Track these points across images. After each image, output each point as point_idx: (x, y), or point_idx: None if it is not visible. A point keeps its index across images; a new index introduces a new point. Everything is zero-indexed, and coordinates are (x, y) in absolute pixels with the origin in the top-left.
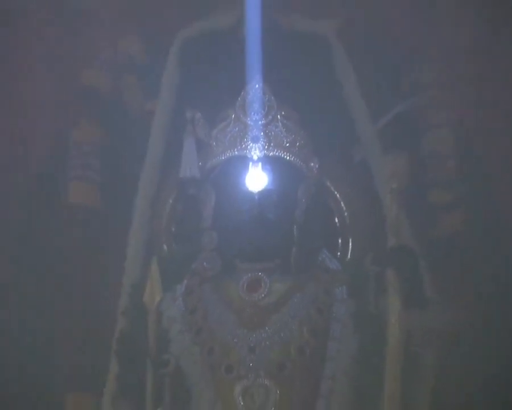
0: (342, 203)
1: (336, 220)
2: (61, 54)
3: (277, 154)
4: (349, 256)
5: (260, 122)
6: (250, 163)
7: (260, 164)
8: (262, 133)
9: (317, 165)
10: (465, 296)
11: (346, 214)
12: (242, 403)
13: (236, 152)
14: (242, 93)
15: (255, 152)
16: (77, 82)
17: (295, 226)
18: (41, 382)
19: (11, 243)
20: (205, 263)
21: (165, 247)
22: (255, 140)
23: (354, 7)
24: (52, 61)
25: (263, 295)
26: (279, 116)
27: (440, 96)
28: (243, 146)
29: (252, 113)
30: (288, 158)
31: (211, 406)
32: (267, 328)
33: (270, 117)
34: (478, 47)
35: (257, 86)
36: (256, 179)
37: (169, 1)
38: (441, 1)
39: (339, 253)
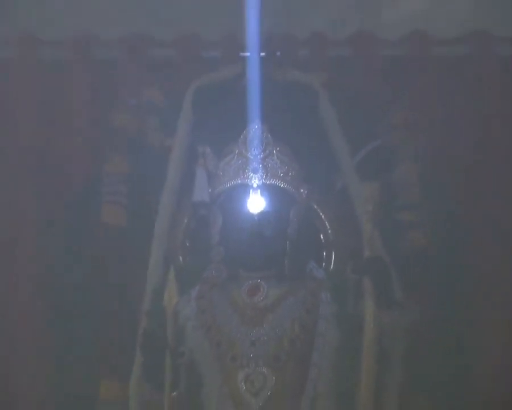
0: (326, 222)
1: (321, 237)
2: (95, 100)
3: (273, 182)
4: (332, 266)
5: (259, 156)
6: (251, 190)
7: (259, 191)
8: (260, 165)
9: (306, 192)
10: (428, 299)
11: (329, 232)
12: (244, 387)
13: (239, 181)
14: (244, 132)
15: (255, 181)
16: (109, 124)
17: (288, 242)
18: (82, 371)
19: (53, 253)
20: (213, 272)
21: (180, 259)
22: (255, 171)
23: (335, 66)
24: (88, 106)
25: (261, 298)
26: (274, 151)
27: (407, 135)
28: (245, 175)
29: (252, 149)
30: (282, 185)
31: (219, 390)
32: (264, 325)
33: (267, 152)
34: (439, 96)
35: (256, 126)
36: (256, 203)
37: (183, 57)
38: (410, 69)
39: (324, 264)
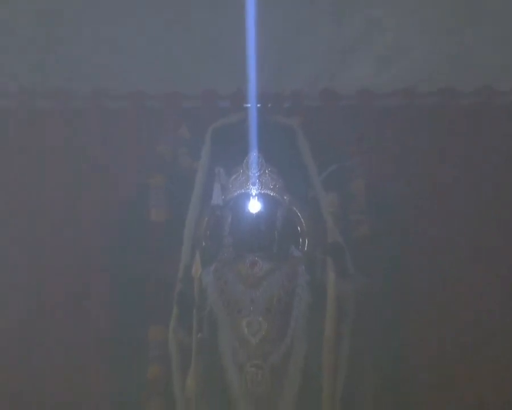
0: (302, 219)
1: (299, 229)
2: (143, 136)
3: (266, 192)
4: (306, 249)
5: (256, 174)
6: (251, 197)
7: (256, 198)
8: (257, 180)
9: (288, 199)
10: (370, 272)
11: (304, 226)
12: (246, 330)
13: (243, 191)
14: (246, 158)
15: (254, 191)
16: (153, 154)
17: (276, 232)
18: (137, 319)
19: (115, 239)
20: (225, 254)
21: (203, 244)
22: (253, 184)
23: (308, 113)
24: (139, 139)
25: (258, 270)
26: (266, 171)
27: (357, 161)
28: (247, 187)
29: (252, 169)
30: (272, 194)
31: (229, 333)
32: (260, 289)
33: (262, 171)
34: (379, 135)
35: (254, 154)
36: (254, 206)
37: (205, 106)
38: (359, 116)
39: (300, 247)
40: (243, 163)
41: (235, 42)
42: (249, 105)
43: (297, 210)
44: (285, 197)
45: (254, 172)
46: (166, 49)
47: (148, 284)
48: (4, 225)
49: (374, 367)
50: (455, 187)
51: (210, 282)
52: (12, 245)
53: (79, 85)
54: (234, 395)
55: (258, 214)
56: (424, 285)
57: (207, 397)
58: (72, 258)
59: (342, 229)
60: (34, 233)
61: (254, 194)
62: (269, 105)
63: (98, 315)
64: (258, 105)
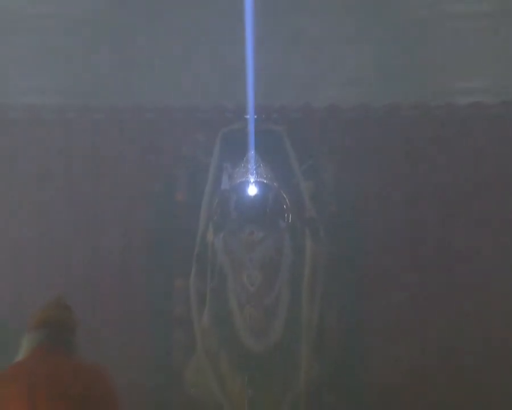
0: (287, 200)
1: (284, 207)
2: (169, 139)
3: (260, 180)
4: (289, 221)
5: (253, 167)
6: (249, 184)
7: (253, 184)
8: (254, 172)
9: (277, 185)
10: (336, 240)
11: (288, 204)
12: (246, 281)
13: (244, 179)
14: (246, 155)
15: (251, 179)
16: (179, 153)
17: (268, 209)
18: (164, 274)
19: (149, 223)
20: (231, 225)
21: (215, 218)
22: (251, 174)
23: (290, 122)
24: (166, 142)
25: (255, 238)
26: (261, 165)
27: (329, 159)
28: (247, 177)
29: (250, 163)
30: (265, 181)
31: (234, 283)
32: (256, 250)
33: (257, 165)
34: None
35: (252, 152)
36: (252, 190)
37: (217, 117)
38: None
39: (285, 220)
40: (244, 159)
41: (240, 73)
42: (248, 116)
43: (283, 193)
44: (274, 184)
45: (251, 165)
46: (187, 71)
47: (176, 247)
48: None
49: (337, 303)
50: (397, 177)
51: (220, 246)
52: None
53: (122, 100)
54: (236, 327)
55: (255, 196)
56: (372, 247)
57: (217, 329)
58: (123, 226)
59: (316, 207)
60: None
61: (251, 181)
62: (263, 116)
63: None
64: (255, 116)
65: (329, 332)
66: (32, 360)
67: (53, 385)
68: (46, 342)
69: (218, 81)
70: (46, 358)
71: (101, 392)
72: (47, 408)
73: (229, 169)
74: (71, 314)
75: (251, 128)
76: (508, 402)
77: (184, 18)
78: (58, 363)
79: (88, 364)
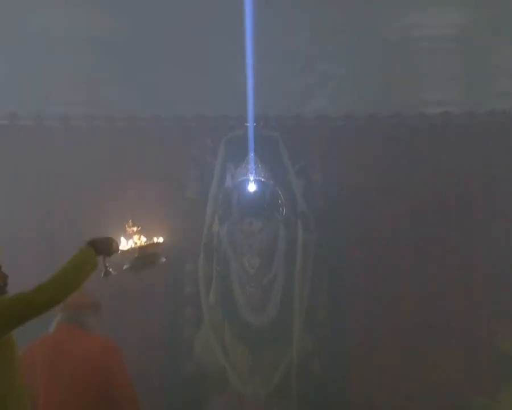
0: (281, 195)
1: (279, 201)
2: (180, 144)
3: (259, 178)
4: (284, 214)
5: (253, 167)
6: (250, 182)
7: (253, 182)
8: (254, 171)
9: (273, 182)
10: (323, 228)
11: (283, 199)
12: (246, 264)
13: (244, 177)
14: (247, 157)
15: (251, 177)
16: (189, 156)
17: (265, 203)
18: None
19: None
20: (234, 217)
21: (220, 211)
22: (251, 173)
23: (284, 129)
24: (177, 146)
25: (254, 227)
26: (259, 165)
27: (318, 160)
28: (247, 175)
29: (250, 165)
30: (263, 180)
31: (236, 266)
32: (255, 238)
33: (256, 165)
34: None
35: (252, 155)
36: (252, 187)
37: (222, 125)
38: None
39: (280, 213)
40: (245, 160)
41: (242, 88)
42: (248, 124)
43: (278, 190)
44: (271, 182)
45: (251, 166)
46: (199, 87)
47: (185, 237)
48: None
49: (325, 283)
50: (376, 176)
51: (224, 235)
52: None
53: (142, 110)
54: (238, 305)
55: (254, 192)
56: (354, 236)
57: (222, 306)
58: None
59: (307, 202)
60: None
61: (251, 180)
62: (261, 123)
63: None
64: (254, 124)
65: (318, 309)
66: (55, 334)
67: (68, 352)
68: (66, 321)
69: (223, 94)
70: (66, 333)
71: (110, 360)
72: (65, 370)
73: (232, 169)
74: (88, 299)
75: (251, 134)
76: None
77: (196, 42)
78: (74, 336)
79: (101, 339)
